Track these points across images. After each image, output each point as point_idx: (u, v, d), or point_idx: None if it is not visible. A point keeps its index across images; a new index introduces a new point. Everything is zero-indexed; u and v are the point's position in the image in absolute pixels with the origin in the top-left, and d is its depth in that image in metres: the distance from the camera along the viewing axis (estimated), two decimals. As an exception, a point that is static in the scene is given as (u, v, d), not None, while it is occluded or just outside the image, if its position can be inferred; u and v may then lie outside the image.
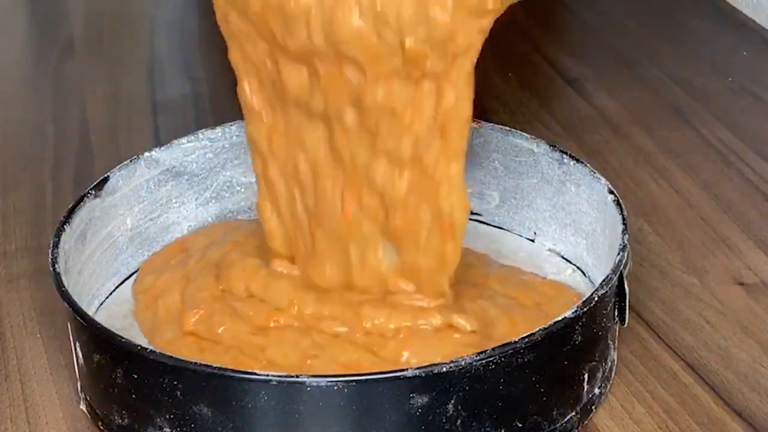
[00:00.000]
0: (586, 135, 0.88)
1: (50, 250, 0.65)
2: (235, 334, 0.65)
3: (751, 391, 0.64)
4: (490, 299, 0.67)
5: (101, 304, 0.71)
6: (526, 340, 0.58)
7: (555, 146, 0.73)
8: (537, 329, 0.58)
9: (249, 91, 0.65)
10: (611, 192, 0.68)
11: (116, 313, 0.70)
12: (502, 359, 0.57)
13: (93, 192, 0.70)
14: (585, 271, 0.72)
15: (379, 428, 0.57)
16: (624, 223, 0.65)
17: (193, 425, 0.58)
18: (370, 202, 0.64)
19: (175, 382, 0.57)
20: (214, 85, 0.99)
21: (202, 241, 0.74)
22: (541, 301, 0.68)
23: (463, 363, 0.57)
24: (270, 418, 0.57)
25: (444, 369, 0.56)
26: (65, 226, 0.67)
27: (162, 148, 0.75)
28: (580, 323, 0.60)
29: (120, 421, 0.61)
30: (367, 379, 0.57)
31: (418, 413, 0.57)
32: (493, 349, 0.57)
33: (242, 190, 0.77)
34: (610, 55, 1.00)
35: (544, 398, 0.60)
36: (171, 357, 0.58)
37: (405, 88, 0.60)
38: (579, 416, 0.62)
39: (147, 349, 0.58)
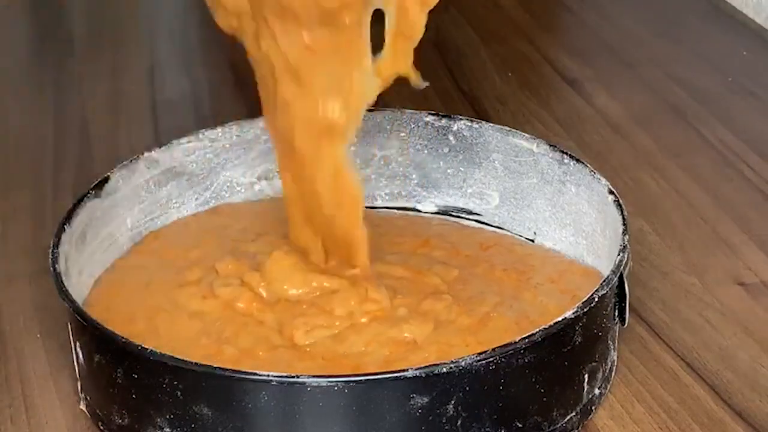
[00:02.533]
0: (586, 135, 0.88)
1: (50, 250, 0.65)
2: None
3: (751, 391, 0.64)
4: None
5: (101, 304, 0.71)
6: (526, 340, 0.58)
7: (555, 146, 0.73)
8: (537, 329, 0.58)
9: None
10: (611, 192, 0.68)
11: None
12: (502, 359, 0.57)
13: (93, 192, 0.70)
14: (585, 271, 0.72)
15: (379, 428, 0.57)
16: (624, 224, 0.65)
17: (193, 425, 0.58)
18: None
19: (175, 382, 0.57)
20: (214, 85, 0.99)
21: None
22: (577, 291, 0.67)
23: (463, 363, 0.56)
24: (270, 418, 0.57)
25: (444, 369, 0.56)
26: (65, 226, 0.67)
27: (162, 148, 0.74)
28: (580, 323, 0.60)
29: (120, 421, 0.61)
30: (367, 380, 0.57)
31: (418, 414, 0.57)
32: (493, 349, 0.57)
33: (242, 190, 0.77)
34: (610, 55, 1.00)
35: (544, 398, 0.60)
36: (171, 357, 0.58)
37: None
38: (579, 416, 0.62)
39: (147, 349, 0.58)
